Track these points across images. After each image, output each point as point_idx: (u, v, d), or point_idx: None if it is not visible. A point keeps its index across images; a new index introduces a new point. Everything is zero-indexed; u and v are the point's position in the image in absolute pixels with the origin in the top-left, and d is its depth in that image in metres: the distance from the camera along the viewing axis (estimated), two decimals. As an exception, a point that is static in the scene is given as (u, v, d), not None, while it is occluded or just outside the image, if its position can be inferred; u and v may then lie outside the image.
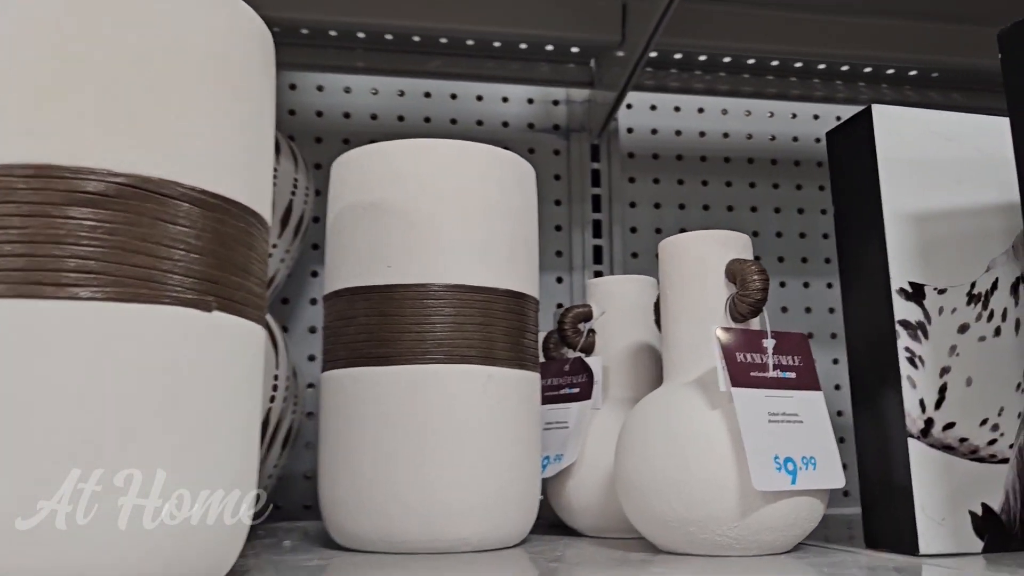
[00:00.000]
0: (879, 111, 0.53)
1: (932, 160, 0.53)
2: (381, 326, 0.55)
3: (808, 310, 1.06)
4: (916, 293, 0.51)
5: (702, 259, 0.55)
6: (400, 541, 0.53)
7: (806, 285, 1.06)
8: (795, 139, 1.09)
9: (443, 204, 0.56)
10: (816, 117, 1.10)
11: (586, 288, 0.69)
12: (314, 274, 0.95)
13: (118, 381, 0.34)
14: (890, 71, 1.06)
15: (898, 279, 0.51)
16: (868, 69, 1.05)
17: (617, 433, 0.63)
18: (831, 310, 1.06)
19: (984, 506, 0.50)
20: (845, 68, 1.05)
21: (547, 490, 0.65)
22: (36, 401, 0.33)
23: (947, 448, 0.50)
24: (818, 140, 1.10)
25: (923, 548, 0.48)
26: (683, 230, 1.05)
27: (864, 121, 0.53)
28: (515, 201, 0.59)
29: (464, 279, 0.56)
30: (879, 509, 0.51)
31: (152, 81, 0.36)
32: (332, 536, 0.57)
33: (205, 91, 0.38)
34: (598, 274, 1.01)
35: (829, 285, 1.07)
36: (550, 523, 0.69)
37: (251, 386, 0.40)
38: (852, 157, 0.54)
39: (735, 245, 0.55)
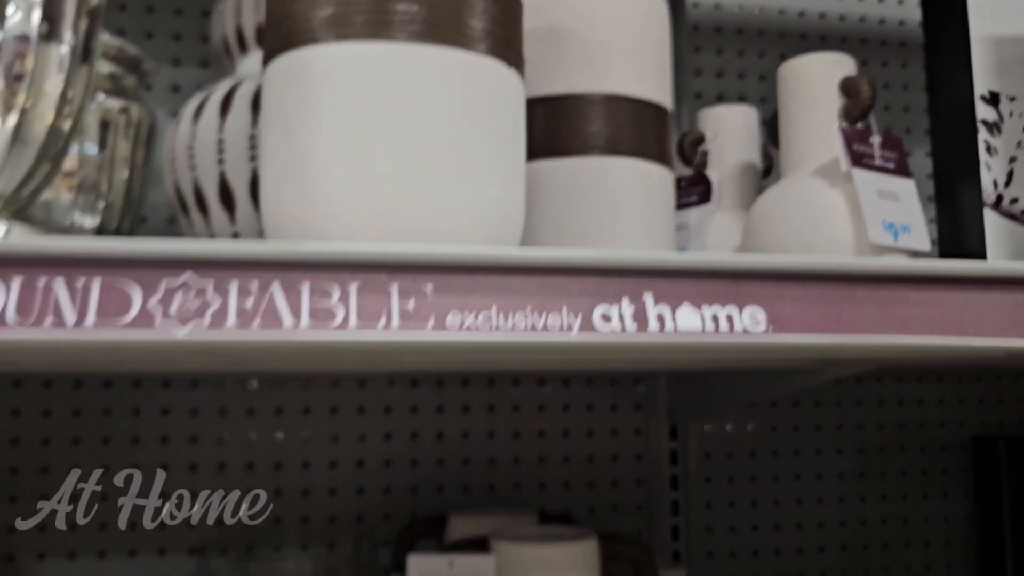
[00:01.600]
0: (969, -48, 0.66)
1: (1011, -7, 0.66)
2: (560, 125, 0.69)
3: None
4: (993, 99, 0.65)
5: (820, 76, 0.68)
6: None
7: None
8: (844, 17, 1.22)
9: (608, 27, 0.69)
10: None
11: (698, 117, 0.82)
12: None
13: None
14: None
15: (980, 87, 0.65)
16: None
17: (731, 232, 0.77)
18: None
19: (1038, 262, 0.65)
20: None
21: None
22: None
23: (1012, 217, 0.64)
24: (863, 19, 1.22)
25: (993, 289, 0.64)
26: (742, 98, 1.19)
27: (957, -38, 0.67)
28: (660, 25, 0.72)
29: (625, 91, 0.69)
30: (956, 267, 0.67)
31: None
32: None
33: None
34: (667, 134, 1.14)
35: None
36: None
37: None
38: (944, -7, 0.68)
39: (845, 65, 0.69)
